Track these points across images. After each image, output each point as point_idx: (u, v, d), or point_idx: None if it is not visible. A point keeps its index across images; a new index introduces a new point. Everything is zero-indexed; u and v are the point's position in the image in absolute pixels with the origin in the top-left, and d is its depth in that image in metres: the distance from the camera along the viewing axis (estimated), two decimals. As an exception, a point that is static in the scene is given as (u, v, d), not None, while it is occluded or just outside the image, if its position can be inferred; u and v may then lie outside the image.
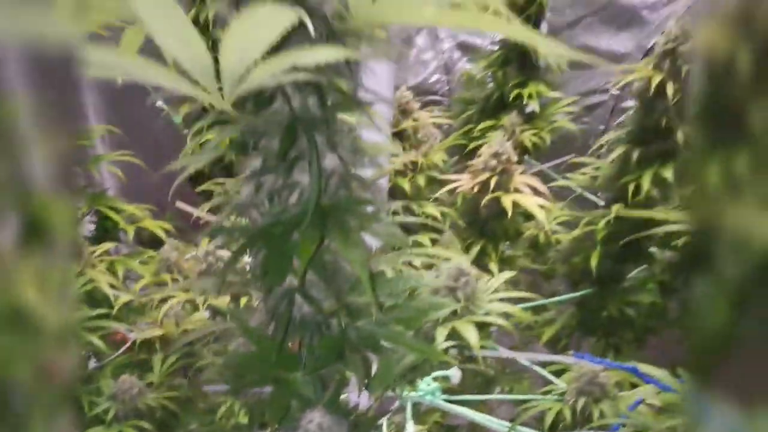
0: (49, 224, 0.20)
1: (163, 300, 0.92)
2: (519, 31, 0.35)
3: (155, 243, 1.25)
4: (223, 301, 0.76)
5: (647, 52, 1.42)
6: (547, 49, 0.37)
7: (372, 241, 0.50)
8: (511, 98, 1.10)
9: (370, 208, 0.47)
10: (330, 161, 0.47)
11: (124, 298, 1.00)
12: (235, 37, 0.33)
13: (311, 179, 0.46)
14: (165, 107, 1.36)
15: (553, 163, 1.18)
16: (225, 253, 0.93)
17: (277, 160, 0.47)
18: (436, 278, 0.65)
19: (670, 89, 0.75)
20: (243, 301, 0.64)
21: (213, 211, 0.90)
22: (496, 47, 1.15)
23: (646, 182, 0.80)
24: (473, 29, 0.44)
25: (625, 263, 0.91)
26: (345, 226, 0.45)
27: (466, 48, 1.46)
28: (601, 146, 0.89)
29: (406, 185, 1.01)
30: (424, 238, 1.06)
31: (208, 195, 1.46)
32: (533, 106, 1.11)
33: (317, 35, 0.42)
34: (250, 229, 0.49)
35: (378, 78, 0.48)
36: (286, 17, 0.31)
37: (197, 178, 1.42)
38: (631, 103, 1.07)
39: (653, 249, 0.91)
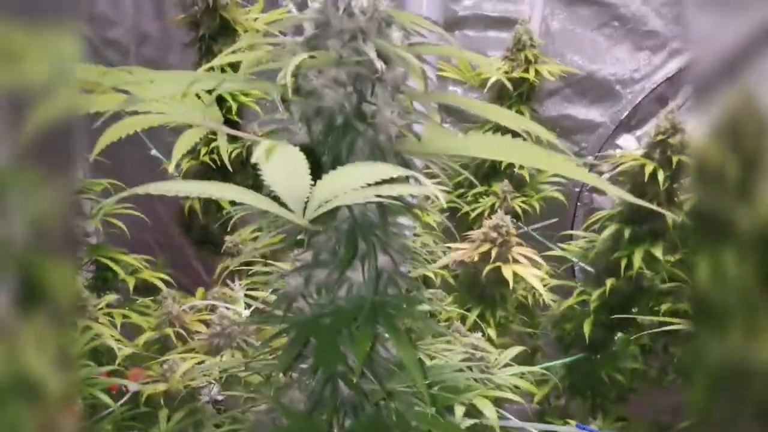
0: (47, 287, 0.21)
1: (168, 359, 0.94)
2: (577, 172, 0.40)
3: (149, 290, 1.26)
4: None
5: (620, 124, 1.53)
6: (595, 183, 0.42)
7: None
8: (503, 166, 1.17)
9: (414, 305, 0.51)
10: (381, 260, 0.51)
11: (127, 351, 1.01)
12: (336, 177, 0.37)
13: (365, 278, 0.50)
14: (162, 158, 1.38)
15: (538, 225, 1.25)
16: (230, 313, 0.96)
17: (332, 258, 0.51)
18: (454, 352, 0.69)
19: (661, 176, 0.82)
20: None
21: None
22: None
23: (637, 259, 0.86)
24: (530, 165, 0.49)
25: (614, 330, 0.97)
26: (396, 324, 0.49)
27: (450, 111, 1.53)
28: (596, 221, 0.95)
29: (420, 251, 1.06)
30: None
31: (201, 244, 1.48)
32: (523, 174, 1.18)
33: (380, 152, 0.47)
34: (301, 319, 0.53)
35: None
36: (382, 172, 0.36)
37: (190, 226, 1.44)
38: (605, 168, 1.14)
39: (639, 316, 0.98)
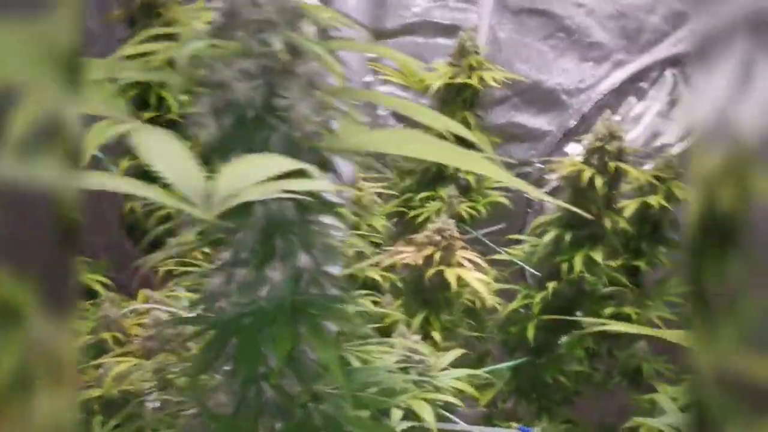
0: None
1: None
2: (492, 170, 0.40)
3: (91, 294, 1.23)
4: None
5: (567, 132, 1.56)
6: (506, 179, 0.42)
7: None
8: (449, 172, 1.17)
9: (339, 305, 0.50)
10: (302, 259, 0.50)
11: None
12: (236, 169, 0.36)
13: (285, 277, 0.49)
14: (102, 157, 1.35)
15: (486, 231, 1.25)
16: (165, 316, 0.93)
17: (251, 256, 0.50)
18: (390, 354, 0.69)
19: (599, 182, 0.84)
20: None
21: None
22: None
23: (578, 263, 0.87)
24: (446, 162, 0.49)
25: (558, 333, 0.98)
26: (317, 324, 0.48)
27: (400, 117, 1.54)
28: (539, 226, 0.96)
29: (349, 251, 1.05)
30: (366, 301, 1.10)
31: (147, 247, 1.44)
32: (468, 179, 1.18)
33: (295, 148, 0.46)
34: (221, 319, 0.51)
35: (343, 169, 0.52)
36: (284, 164, 0.35)
37: (133, 227, 1.41)
38: (553, 176, 1.15)
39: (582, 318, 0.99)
